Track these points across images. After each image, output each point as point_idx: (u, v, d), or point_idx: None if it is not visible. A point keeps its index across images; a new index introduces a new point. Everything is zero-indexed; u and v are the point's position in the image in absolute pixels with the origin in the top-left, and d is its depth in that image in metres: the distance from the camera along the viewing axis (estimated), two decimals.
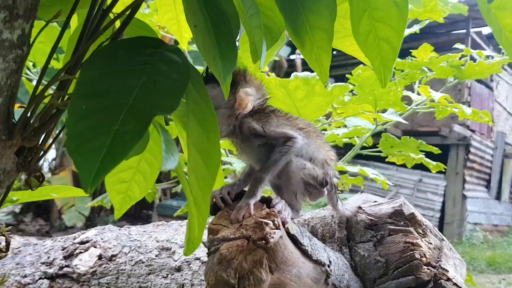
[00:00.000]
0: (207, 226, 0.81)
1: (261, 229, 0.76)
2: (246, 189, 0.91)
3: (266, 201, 0.84)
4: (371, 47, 0.62)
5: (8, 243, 0.73)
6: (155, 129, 0.83)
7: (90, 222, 6.87)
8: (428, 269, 0.98)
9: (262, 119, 0.87)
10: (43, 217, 7.77)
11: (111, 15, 0.77)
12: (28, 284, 1.43)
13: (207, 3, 0.58)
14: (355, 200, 1.08)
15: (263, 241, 0.75)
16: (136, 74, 0.54)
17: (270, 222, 0.77)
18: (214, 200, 0.84)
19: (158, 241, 1.35)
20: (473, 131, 9.19)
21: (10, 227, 0.76)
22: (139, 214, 7.81)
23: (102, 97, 0.52)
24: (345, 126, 1.95)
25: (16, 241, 1.65)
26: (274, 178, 0.91)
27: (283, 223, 0.82)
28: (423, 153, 2.25)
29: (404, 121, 1.63)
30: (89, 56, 0.56)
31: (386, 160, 2.48)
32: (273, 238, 0.75)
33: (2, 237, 1.36)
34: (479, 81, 8.94)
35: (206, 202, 0.60)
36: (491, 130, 10.15)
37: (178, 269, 1.25)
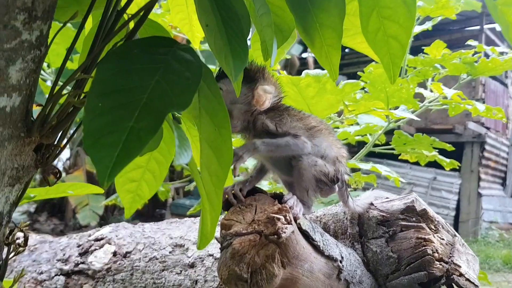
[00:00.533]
0: (219, 221, 0.83)
1: (273, 224, 0.77)
2: (258, 185, 0.93)
3: (278, 197, 0.85)
4: (380, 45, 0.63)
5: (26, 239, 0.75)
6: (167, 126, 0.85)
7: (104, 221, 6.94)
8: (440, 264, 0.98)
9: (276, 117, 0.88)
10: (58, 216, 7.85)
11: (125, 16, 0.79)
12: (44, 280, 1.46)
13: (218, 3, 0.59)
14: (366, 197, 1.09)
15: (275, 236, 0.76)
16: (150, 72, 0.56)
17: (281, 217, 0.78)
18: (227, 196, 0.85)
19: (171, 238, 1.37)
20: (488, 128, 9.09)
21: (28, 222, 0.78)
22: (152, 213, 7.86)
23: (118, 95, 0.53)
24: (357, 123, 1.96)
25: (33, 238, 1.68)
26: (285, 174, 0.92)
27: (295, 219, 0.83)
28: (436, 150, 2.25)
29: (416, 118, 1.63)
30: (104, 56, 0.58)
31: (400, 158, 2.47)
32: (285, 233, 0.76)
33: (20, 233, 1.39)
34: (493, 78, 8.84)
35: (218, 197, 0.61)
36: (506, 127, 10.03)
37: (192, 266, 1.27)
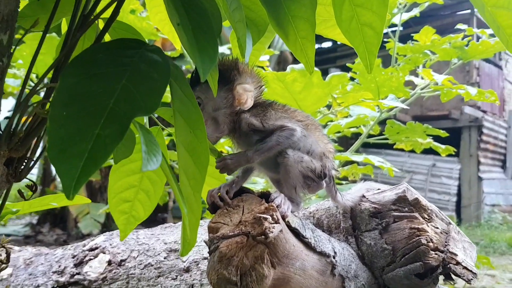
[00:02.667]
0: (207, 225, 0.81)
1: (259, 224, 0.75)
2: (244, 185, 0.91)
3: (265, 196, 0.83)
4: (355, 33, 0.61)
5: (8, 255, 0.73)
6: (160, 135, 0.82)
7: (106, 228, 6.92)
8: (436, 254, 0.97)
9: (260, 113, 0.86)
10: (60, 226, 7.84)
11: (97, 22, 0.77)
12: None
13: (185, 1, 0.57)
14: (357, 190, 1.07)
15: (263, 236, 0.74)
16: (116, 76, 0.54)
17: (268, 216, 0.76)
18: (213, 199, 0.83)
19: (165, 243, 1.35)
20: (484, 111, 9.07)
21: (10, 237, 0.76)
22: (154, 217, 7.85)
23: (83, 102, 0.52)
24: (350, 116, 1.93)
25: (28, 251, 1.67)
26: (272, 172, 0.90)
27: (283, 217, 0.81)
28: (431, 137, 2.23)
29: (405, 106, 1.61)
30: (69, 62, 0.56)
31: (395, 147, 2.46)
32: (272, 232, 0.74)
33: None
34: (487, 61, 8.82)
35: (197, 201, 0.59)
36: (503, 110, 10.02)
37: (187, 270, 1.25)
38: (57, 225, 7.93)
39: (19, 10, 0.59)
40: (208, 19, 0.59)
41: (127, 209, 0.91)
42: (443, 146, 2.32)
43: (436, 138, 2.32)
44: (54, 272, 1.46)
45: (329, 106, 1.68)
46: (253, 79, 0.88)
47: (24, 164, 0.62)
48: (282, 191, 0.87)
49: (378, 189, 1.08)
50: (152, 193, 0.90)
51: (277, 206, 0.80)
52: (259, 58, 0.97)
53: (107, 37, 0.82)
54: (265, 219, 0.75)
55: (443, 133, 2.13)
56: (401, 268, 0.99)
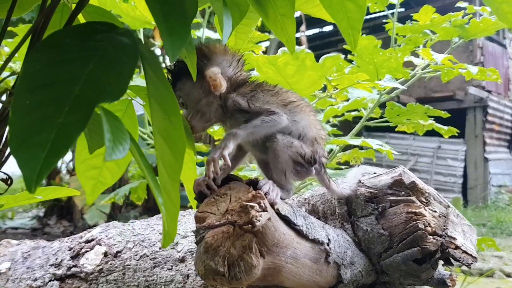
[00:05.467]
0: (193, 214, 0.78)
1: (246, 213, 0.72)
2: (233, 173, 0.88)
3: (253, 183, 0.80)
4: (337, 9, 0.57)
5: None
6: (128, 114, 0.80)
7: (112, 219, 6.94)
8: (434, 238, 0.94)
9: (248, 93, 0.82)
10: (67, 218, 7.89)
11: (69, 6, 0.74)
12: (40, 287, 1.43)
13: None
14: (353, 175, 1.04)
15: (249, 225, 0.72)
16: (83, 61, 0.51)
17: (255, 205, 0.73)
18: (199, 187, 0.81)
19: (160, 234, 1.33)
20: (489, 91, 8.97)
21: (17, 230, 0.73)
22: (154, 205, 7.88)
23: (47, 90, 0.49)
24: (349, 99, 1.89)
25: (26, 245, 1.65)
26: (262, 153, 0.87)
27: (272, 205, 0.79)
28: (432, 119, 2.18)
29: (402, 87, 1.56)
30: (33, 48, 0.53)
31: (397, 129, 2.41)
32: (259, 221, 0.72)
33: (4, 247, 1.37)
34: (491, 40, 8.70)
35: (175, 190, 0.57)
36: (508, 89, 9.91)
37: (182, 260, 1.23)
38: (63, 217, 7.99)
39: None
40: (181, 0, 0.56)
41: (95, 175, 0.91)
42: (445, 128, 2.27)
43: (441, 120, 2.27)
44: (51, 265, 1.44)
45: (325, 89, 1.64)
46: (226, 57, 0.84)
47: None
48: (271, 177, 0.84)
49: (374, 173, 1.05)
50: (122, 161, 0.88)
51: (265, 194, 0.77)
52: (246, 41, 0.94)
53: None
54: (252, 207, 0.73)
55: (445, 114, 2.09)
56: (398, 254, 0.96)
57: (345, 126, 3.20)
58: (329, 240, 0.91)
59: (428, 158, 8.88)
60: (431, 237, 0.93)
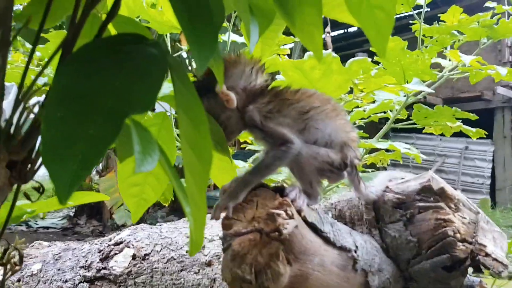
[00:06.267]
0: (220, 221, 0.79)
1: (273, 220, 0.72)
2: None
3: (279, 190, 0.80)
4: (366, 17, 0.56)
5: (21, 257, 0.73)
6: (166, 127, 0.80)
7: (140, 219, 7.04)
8: (463, 245, 0.92)
9: (264, 107, 0.81)
10: (96, 218, 8.03)
11: (100, 16, 0.75)
12: None
13: None
14: (380, 181, 1.03)
15: (276, 233, 0.72)
16: (113, 74, 0.52)
17: (282, 212, 0.73)
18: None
19: (188, 237, 1.34)
20: None
21: (23, 239, 0.75)
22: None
23: (78, 102, 0.50)
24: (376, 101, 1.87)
25: (57, 247, 1.70)
26: (287, 164, 0.86)
27: (299, 212, 0.78)
28: (460, 120, 2.14)
29: (430, 90, 1.54)
30: (64, 60, 0.54)
31: (424, 131, 2.37)
32: (286, 229, 0.72)
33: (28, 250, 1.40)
34: None
35: (202, 198, 0.57)
36: None
37: (209, 264, 1.24)
38: (93, 217, 8.14)
39: (14, 8, 0.58)
40: (207, 8, 0.56)
41: (137, 193, 0.91)
42: (473, 129, 2.23)
43: (469, 120, 2.23)
44: (81, 267, 1.47)
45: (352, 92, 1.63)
46: (237, 69, 0.83)
47: (29, 166, 0.61)
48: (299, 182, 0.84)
49: (402, 178, 1.04)
50: (162, 176, 0.89)
51: (292, 201, 0.77)
52: (272, 47, 0.94)
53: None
54: (279, 215, 0.73)
55: (473, 116, 2.04)
56: (427, 261, 0.95)
57: (371, 128, 3.16)
58: (356, 247, 0.90)
59: (455, 159, 8.70)
60: (460, 244, 0.92)
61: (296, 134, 0.79)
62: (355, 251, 0.90)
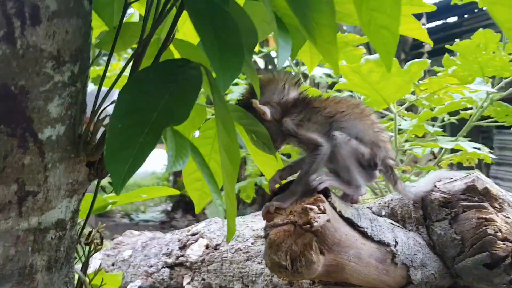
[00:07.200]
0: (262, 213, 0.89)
1: (306, 214, 0.82)
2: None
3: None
4: (374, 35, 0.64)
5: (102, 239, 0.89)
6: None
7: None
8: (504, 244, 0.94)
9: (296, 117, 0.89)
10: (191, 212, 8.48)
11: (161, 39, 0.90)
12: (154, 273, 1.65)
13: (213, 18, 0.66)
14: (426, 181, 1.07)
15: (308, 225, 0.81)
16: (161, 93, 0.65)
17: (315, 207, 0.82)
18: (273, 188, 0.92)
19: (253, 230, 1.46)
20: None
21: (104, 225, 0.92)
22: (262, 201, 8.13)
23: (133, 116, 0.63)
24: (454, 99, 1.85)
25: (145, 236, 1.91)
26: (327, 163, 0.93)
27: (335, 207, 0.87)
28: None
29: (493, 90, 1.51)
30: (127, 81, 0.68)
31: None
32: (317, 222, 0.81)
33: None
34: None
35: (233, 193, 0.69)
36: None
37: None
38: (188, 212, 8.62)
39: (91, 42, 0.73)
40: (236, 36, 0.67)
41: (199, 187, 1.04)
42: None
43: None
44: (163, 254, 1.66)
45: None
46: (269, 86, 0.92)
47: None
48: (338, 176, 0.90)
49: (451, 178, 1.07)
50: (219, 172, 1.01)
51: (327, 197, 0.86)
52: (319, 56, 1.01)
53: (175, 53, 0.95)
54: (311, 209, 0.82)
55: None
56: (469, 259, 0.98)
57: (452, 126, 3.06)
58: (396, 242, 0.96)
59: None
60: (501, 242, 0.94)
61: (324, 138, 0.87)
62: (395, 246, 0.96)
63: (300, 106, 0.91)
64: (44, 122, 0.64)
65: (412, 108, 2.47)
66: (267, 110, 0.89)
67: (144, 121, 0.62)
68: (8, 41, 0.57)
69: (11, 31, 0.57)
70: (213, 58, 0.61)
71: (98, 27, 0.95)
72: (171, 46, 0.90)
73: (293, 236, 0.82)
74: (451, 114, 2.16)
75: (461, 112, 2.05)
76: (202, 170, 0.66)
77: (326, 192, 0.88)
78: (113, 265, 1.80)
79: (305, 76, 2.49)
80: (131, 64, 0.76)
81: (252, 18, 0.87)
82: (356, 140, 0.88)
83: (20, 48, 0.58)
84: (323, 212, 0.82)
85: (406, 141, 2.01)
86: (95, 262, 1.68)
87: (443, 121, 2.25)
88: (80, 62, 0.68)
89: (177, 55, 0.96)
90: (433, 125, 2.13)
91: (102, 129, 0.76)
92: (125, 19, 1.06)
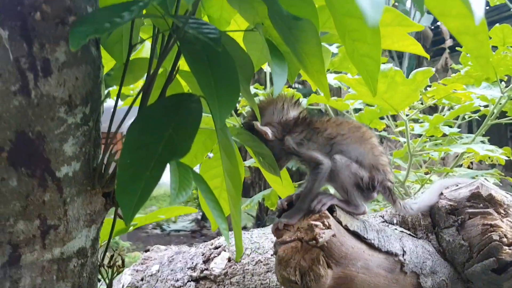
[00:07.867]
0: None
1: (311, 230, 0.86)
2: None
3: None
4: (358, 63, 0.68)
5: (123, 261, 0.96)
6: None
7: (260, 221, 7.38)
8: (510, 249, 0.96)
9: (298, 136, 0.94)
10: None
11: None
12: (180, 286, 1.71)
13: (209, 59, 0.71)
14: (429, 196, 1.08)
15: (314, 241, 0.85)
16: (165, 128, 0.70)
17: (319, 223, 0.86)
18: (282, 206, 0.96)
19: (272, 242, 1.50)
20: None
21: (125, 247, 0.98)
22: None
23: (140, 151, 0.69)
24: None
25: (172, 250, 1.98)
26: (328, 181, 0.97)
27: (340, 222, 0.91)
28: None
29: (498, 94, 1.51)
30: (135, 118, 0.74)
31: None
32: (322, 237, 0.85)
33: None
34: None
35: (238, 215, 0.74)
36: None
37: None
38: None
39: (102, 83, 0.80)
40: (232, 74, 0.72)
41: (216, 195, 1.09)
42: None
43: None
44: (188, 268, 1.72)
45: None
46: (270, 107, 0.97)
47: None
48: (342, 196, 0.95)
49: (456, 185, 1.09)
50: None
51: (332, 213, 0.90)
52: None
53: (184, 84, 1.01)
54: (316, 226, 0.86)
55: None
56: (478, 264, 1.00)
57: (469, 125, 3.04)
58: (404, 251, 0.99)
59: None
60: (507, 248, 0.96)
61: (325, 155, 0.91)
62: (403, 255, 0.99)
63: (301, 126, 0.95)
64: (60, 161, 0.71)
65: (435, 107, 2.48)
66: (268, 130, 0.94)
67: (150, 155, 0.68)
68: (23, 93, 0.64)
69: (25, 84, 0.64)
70: (210, 98, 0.66)
71: (110, 60, 1.03)
72: (178, 76, 0.97)
73: (301, 252, 0.87)
74: (472, 112, 2.17)
75: (482, 109, 2.05)
76: (205, 197, 0.71)
77: (331, 207, 0.92)
78: (142, 280, 1.87)
79: None
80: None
81: (251, 45, 0.93)
82: (356, 163, 0.92)
83: (34, 98, 0.65)
84: (328, 227, 0.87)
85: (425, 142, 2.02)
86: (125, 278, 1.76)
87: (464, 119, 2.26)
88: (91, 103, 0.75)
89: (184, 84, 1.03)
90: (452, 125, 2.13)
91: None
92: (135, 52, 1.14)
